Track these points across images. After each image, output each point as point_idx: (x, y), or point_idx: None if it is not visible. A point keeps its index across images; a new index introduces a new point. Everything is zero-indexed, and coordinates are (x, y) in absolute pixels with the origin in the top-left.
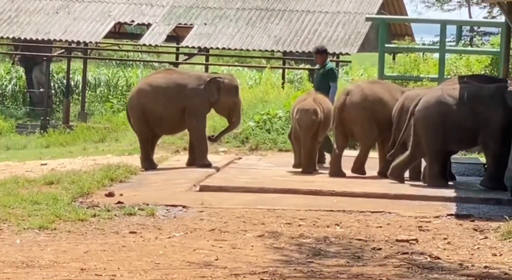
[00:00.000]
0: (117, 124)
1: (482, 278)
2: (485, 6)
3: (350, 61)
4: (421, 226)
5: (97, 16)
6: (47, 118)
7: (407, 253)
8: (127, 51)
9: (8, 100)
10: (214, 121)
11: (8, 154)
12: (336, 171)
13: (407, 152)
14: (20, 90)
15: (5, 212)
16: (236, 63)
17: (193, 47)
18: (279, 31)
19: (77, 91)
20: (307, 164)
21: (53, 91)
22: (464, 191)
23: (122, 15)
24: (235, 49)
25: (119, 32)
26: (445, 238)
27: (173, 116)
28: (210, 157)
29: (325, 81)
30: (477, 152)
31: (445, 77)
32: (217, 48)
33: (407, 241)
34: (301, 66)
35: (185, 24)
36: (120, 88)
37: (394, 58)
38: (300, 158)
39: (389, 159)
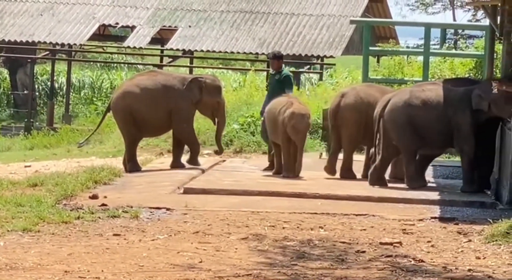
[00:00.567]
0: (101, 127)
1: None
2: (469, 9)
3: (334, 64)
4: (405, 229)
5: (82, 18)
6: (31, 120)
7: (391, 256)
8: (112, 53)
9: None
10: (199, 123)
11: None
12: (331, 173)
13: (379, 156)
14: (4, 92)
15: None
16: (220, 66)
17: (177, 50)
18: (263, 34)
19: (61, 93)
20: (291, 168)
21: (37, 93)
22: (448, 194)
23: (107, 17)
24: (220, 52)
25: (103, 34)
26: (429, 241)
27: (160, 117)
28: None
29: (280, 87)
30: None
31: (429, 80)
32: (202, 51)
33: (391, 244)
34: (286, 69)
35: (170, 26)
36: (104, 90)
37: (378, 61)
38: (280, 163)
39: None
